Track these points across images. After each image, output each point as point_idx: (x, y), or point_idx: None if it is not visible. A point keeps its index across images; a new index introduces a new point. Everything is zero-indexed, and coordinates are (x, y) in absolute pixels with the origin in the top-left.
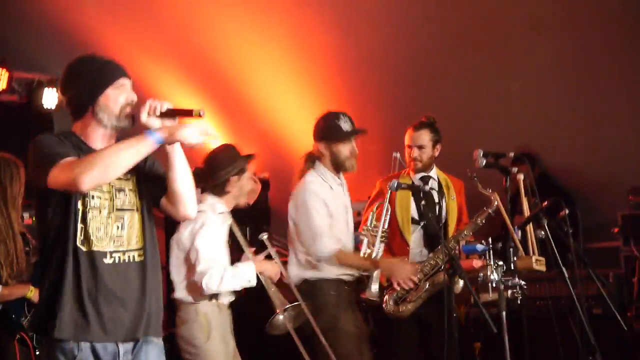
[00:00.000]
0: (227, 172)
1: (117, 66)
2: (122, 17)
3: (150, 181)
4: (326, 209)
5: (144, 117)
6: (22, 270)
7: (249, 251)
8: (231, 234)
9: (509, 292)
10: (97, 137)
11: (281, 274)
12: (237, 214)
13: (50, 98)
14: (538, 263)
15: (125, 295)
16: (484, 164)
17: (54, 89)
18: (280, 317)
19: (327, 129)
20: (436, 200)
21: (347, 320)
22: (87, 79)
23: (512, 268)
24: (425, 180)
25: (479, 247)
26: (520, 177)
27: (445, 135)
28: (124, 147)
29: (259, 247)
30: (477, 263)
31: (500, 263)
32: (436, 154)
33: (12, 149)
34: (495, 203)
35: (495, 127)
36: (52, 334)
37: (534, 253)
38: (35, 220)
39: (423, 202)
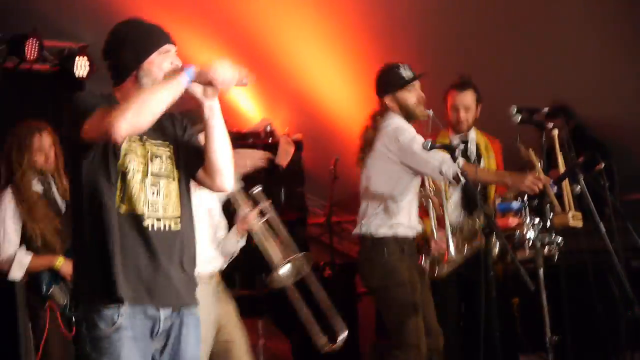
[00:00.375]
0: None
1: (163, 32)
2: None
3: (188, 152)
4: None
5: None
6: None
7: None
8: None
9: (546, 249)
10: None
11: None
12: (273, 176)
13: (81, 66)
14: (575, 219)
15: (165, 262)
16: (518, 119)
17: (85, 57)
18: (282, 270)
19: (390, 80)
20: (473, 160)
21: (409, 276)
22: (133, 42)
23: (549, 225)
24: (464, 140)
25: (515, 204)
26: (555, 132)
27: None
28: (157, 87)
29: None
30: (513, 221)
31: (537, 220)
32: (478, 114)
33: (45, 117)
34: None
35: (529, 82)
36: (92, 297)
37: (570, 209)
38: (69, 182)
39: (459, 161)
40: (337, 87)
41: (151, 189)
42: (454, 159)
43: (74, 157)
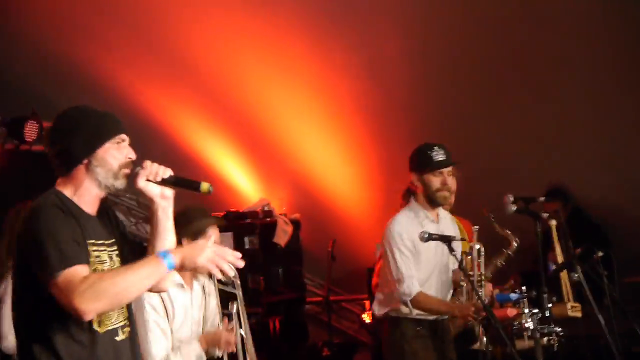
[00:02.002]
0: (190, 233)
1: (117, 120)
2: (151, 66)
3: (128, 249)
4: (410, 250)
5: (141, 182)
6: None
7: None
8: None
9: (545, 339)
10: (90, 198)
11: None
12: (271, 255)
13: None
14: (573, 309)
15: None
16: (514, 209)
17: None
18: None
19: (418, 160)
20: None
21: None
22: (85, 129)
23: (547, 315)
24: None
25: (513, 296)
26: (553, 222)
27: (476, 176)
28: (135, 274)
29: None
30: (511, 312)
31: (535, 310)
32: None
33: None
34: (514, 244)
35: (526, 166)
36: None
37: (569, 300)
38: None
39: (454, 253)
40: (334, 167)
41: None
42: (451, 250)
43: (33, 290)
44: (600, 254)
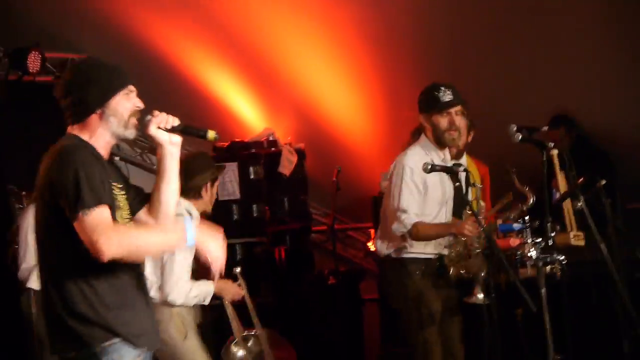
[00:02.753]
0: (203, 178)
1: (125, 72)
2: None
3: (131, 195)
4: (418, 186)
5: (152, 129)
6: None
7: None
8: None
9: (548, 268)
10: (103, 144)
11: (243, 298)
12: (276, 184)
13: None
14: (576, 238)
15: (145, 305)
16: (519, 139)
17: None
18: (234, 348)
19: (425, 100)
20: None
21: (428, 300)
22: (98, 81)
23: (550, 244)
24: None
25: (516, 226)
26: (555, 152)
27: (480, 105)
28: (159, 238)
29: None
30: (514, 242)
31: (538, 240)
32: (469, 139)
33: (48, 128)
34: (531, 200)
35: (530, 94)
36: (122, 339)
37: (572, 228)
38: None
39: (457, 184)
40: (338, 97)
41: None
42: (456, 181)
43: (64, 221)
44: (604, 182)
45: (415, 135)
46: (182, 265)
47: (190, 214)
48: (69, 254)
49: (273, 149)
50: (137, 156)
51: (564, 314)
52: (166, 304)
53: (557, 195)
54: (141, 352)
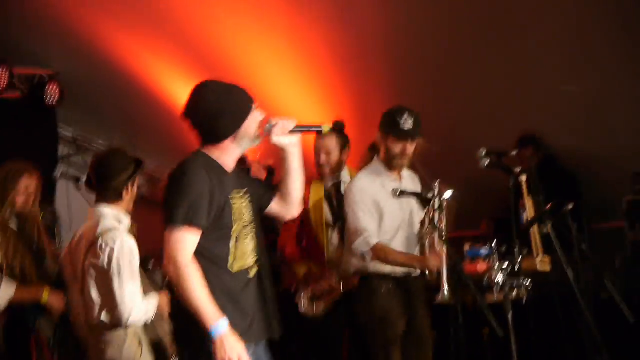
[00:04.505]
0: (121, 181)
1: (248, 94)
2: (120, 10)
3: (260, 192)
4: (373, 206)
5: (274, 137)
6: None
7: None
8: None
9: (515, 292)
10: (232, 159)
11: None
12: None
13: (52, 93)
14: (542, 264)
15: (263, 302)
16: (486, 163)
17: (56, 84)
18: None
19: (385, 122)
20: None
21: (394, 319)
22: (229, 112)
23: (517, 269)
24: (336, 181)
25: (483, 251)
26: (523, 177)
27: (448, 124)
28: (199, 303)
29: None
30: (481, 267)
31: (505, 264)
32: (344, 157)
33: (16, 145)
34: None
35: (498, 116)
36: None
37: (538, 253)
38: None
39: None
40: (308, 114)
41: (246, 240)
42: (424, 206)
43: None
44: (570, 206)
45: (371, 151)
46: (135, 284)
47: (120, 222)
48: None
49: (242, 166)
50: None
51: (530, 338)
52: (122, 326)
53: (525, 216)
54: (249, 346)
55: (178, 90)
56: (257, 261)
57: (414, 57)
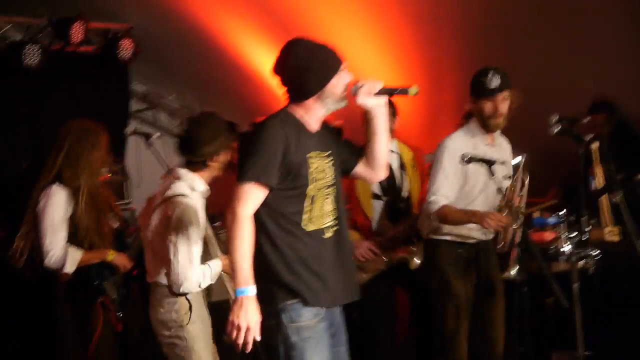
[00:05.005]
0: (209, 151)
1: (337, 54)
2: None
3: (345, 153)
4: (456, 167)
5: (361, 98)
6: (106, 236)
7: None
8: None
9: (581, 262)
10: (317, 119)
11: None
12: None
13: (126, 48)
14: (611, 234)
15: (337, 265)
16: (556, 131)
17: (130, 39)
18: None
19: (473, 85)
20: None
21: (457, 287)
22: (316, 69)
23: (585, 239)
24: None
25: (551, 220)
26: (595, 145)
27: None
28: (238, 255)
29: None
30: (548, 235)
31: (573, 234)
32: (393, 126)
33: (88, 99)
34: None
35: (572, 78)
36: (294, 302)
37: (608, 224)
38: None
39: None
40: (379, 74)
41: (327, 200)
42: (491, 173)
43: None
44: None
45: (465, 119)
46: (191, 252)
47: (193, 189)
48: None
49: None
50: (176, 127)
51: (595, 310)
52: (177, 293)
53: (594, 184)
54: (319, 310)
55: (252, 52)
56: (335, 223)
57: (489, 22)
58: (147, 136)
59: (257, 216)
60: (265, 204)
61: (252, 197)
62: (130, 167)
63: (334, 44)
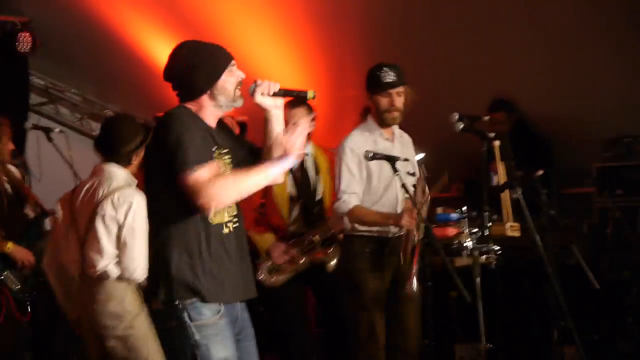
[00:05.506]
0: (131, 148)
1: (225, 51)
2: None
3: (243, 153)
4: (360, 165)
5: (258, 97)
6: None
7: None
8: None
9: (483, 257)
10: (212, 117)
11: None
12: None
13: (24, 41)
14: (512, 229)
15: (236, 261)
16: (460, 128)
17: (28, 33)
18: None
19: (368, 80)
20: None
21: (367, 280)
22: (204, 66)
23: (486, 234)
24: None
25: (454, 215)
26: (497, 143)
27: (425, 87)
28: (259, 175)
29: None
30: (451, 231)
31: (475, 230)
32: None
33: None
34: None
35: (473, 78)
36: (193, 300)
37: (509, 219)
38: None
39: (399, 173)
40: (282, 71)
41: None
42: (395, 170)
43: (167, 175)
44: (541, 172)
45: (363, 115)
46: (146, 240)
47: (130, 184)
48: (167, 215)
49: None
50: (77, 122)
51: (496, 303)
52: (128, 280)
53: (495, 179)
54: (219, 307)
55: (154, 46)
56: (234, 220)
57: (390, 22)
58: (47, 130)
59: (159, 211)
60: (167, 198)
61: (205, 179)
62: (30, 161)
63: (220, 43)
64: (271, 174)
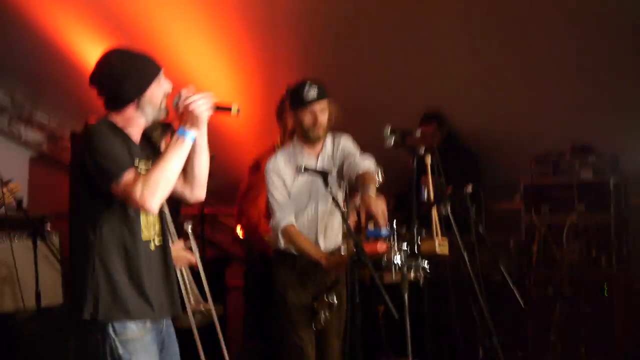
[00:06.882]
0: None
1: (154, 61)
2: None
3: None
4: (281, 186)
5: (182, 111)
6: None
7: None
8: None
9: (412, 273)
10: (138, 129)
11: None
12: None
13: None
14: (441, 247)
15: (162, 277)
16: (392, 143)
17: None
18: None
19: (291, 98)
20: None
21: (293, 296)
22: (132, 76)
23: (416, 250)
24: None
25: (384, 231)
26: (428, 159)
27: (357, 95)
28: (172, 157)
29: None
30: (381, 247)
31: (404, 245)
32: None
33: None
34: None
35: (404, 88)
36: (119, 316)
37: (438, 236)
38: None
39: (329, 188)
40: (216, 80)
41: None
42: (326, 184)
43: (91, 191)
44: (470, 189)
45: (291, 134)
46: None
47: None
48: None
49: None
50: (5, 127)
51: (424, 319)
52: None
53: (426, 193)
54: (144, 322)
55: (84, 49)
56: (159, 236)
57: (323, 30)
58: None
59: (86, 224)
60: (94, 212)
61: (132, 182)
62: None
63: (152, 48)
64: (185, 146)
